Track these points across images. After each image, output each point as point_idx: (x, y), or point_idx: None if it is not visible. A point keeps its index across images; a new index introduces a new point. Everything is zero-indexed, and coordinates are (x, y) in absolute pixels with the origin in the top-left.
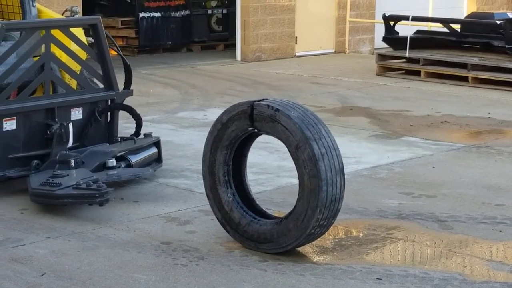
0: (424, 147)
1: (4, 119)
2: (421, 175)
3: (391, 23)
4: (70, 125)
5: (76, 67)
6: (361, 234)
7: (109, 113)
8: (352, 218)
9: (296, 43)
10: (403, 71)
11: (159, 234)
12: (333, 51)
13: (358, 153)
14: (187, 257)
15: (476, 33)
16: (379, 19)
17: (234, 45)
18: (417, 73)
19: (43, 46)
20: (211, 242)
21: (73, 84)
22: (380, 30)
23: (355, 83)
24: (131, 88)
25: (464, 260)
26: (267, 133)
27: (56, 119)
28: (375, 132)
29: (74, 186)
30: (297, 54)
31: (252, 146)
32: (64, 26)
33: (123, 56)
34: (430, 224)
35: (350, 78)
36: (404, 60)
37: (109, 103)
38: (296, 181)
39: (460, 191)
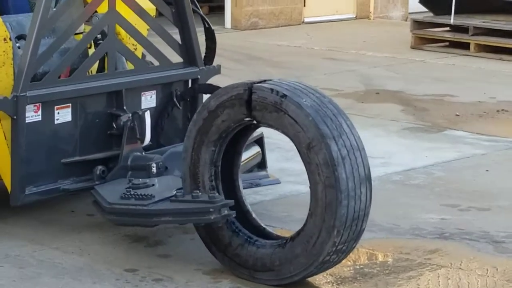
0: (474, 144)
1: (56, 107)
2: (470, 181)
3: None
4: (147, 115)
5: (144, 32)
6: (390, 260)
7: (190, 99)
8: (378, 238)
9: (304, 6)
10: (447, 43)
11: (122, 258)
12: (354, 16)
13: (386, 152)
14: None
15: None
16: None
17: (221, 8)
18: (465, 46)
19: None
20: (191, 269)
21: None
22: None
23: (382, 59)
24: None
25: None
26: (269, 125)
27: (125, 107)
28: (409, 124)
29: (173, 198)
30: (306, 20)
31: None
32: None
33: (206, 19)
34: (482, 247)
35: (376, 52)
36: (448, 28)
37: (191, 85)
38: (304, 188)
39: None
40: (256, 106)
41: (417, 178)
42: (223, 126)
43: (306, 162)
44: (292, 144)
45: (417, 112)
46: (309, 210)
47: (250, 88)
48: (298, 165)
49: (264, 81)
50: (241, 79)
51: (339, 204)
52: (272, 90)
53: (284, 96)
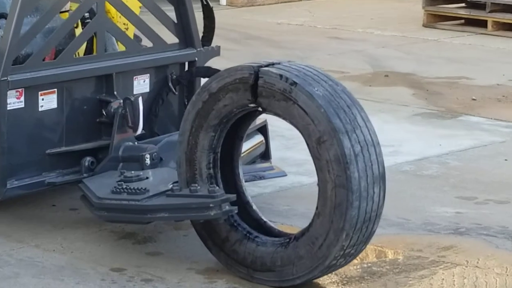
0: (491, 131)
1: (40, 93)
2: (488, 171)
3: None
4: (140, 101)
5: (137, 10)
6: (400, 257)
7: (186, 83)
8: (388, 234)
9: None
10: (462, 21)
11: (108, 256)
12: None
13: (396, 139)
14: None
15: None
16: None
17: None
18: (482, 24)
19: None
20: (183, 268)
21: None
22: None
23: (392, 38)
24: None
25: None
26: (276, 114)
27: (115, 92)
28: (421, 109)
29: (169, 192)
30: None
31: None
32: None
33: None
34: (500, 243)
35: (385, 30)
36: (463, 4)
37: (188, 68)
38: (306, 179)
39: None
40: (262, 92)
41: (430, 168)
42: (225, 111)
43: (315, 158)
44: (294, 132)
45: (430, 96)
46: (316, 209)
47: (256, 72)
48: (300, 154)
49: (272, 64)
50: (238, 61)
51: (350, 205)
52: (281, 76)
53: (294, 83)
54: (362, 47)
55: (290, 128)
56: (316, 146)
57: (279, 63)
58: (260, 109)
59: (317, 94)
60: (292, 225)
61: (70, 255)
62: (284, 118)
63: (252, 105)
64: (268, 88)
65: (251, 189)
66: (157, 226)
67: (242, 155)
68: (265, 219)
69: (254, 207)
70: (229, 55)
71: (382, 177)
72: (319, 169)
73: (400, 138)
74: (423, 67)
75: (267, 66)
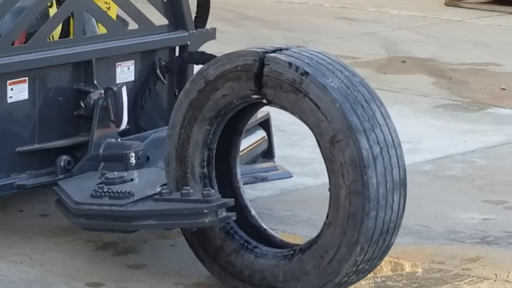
0: None
1: (9, 82)
2: None
3: None
4: (124, 91)
5: None
6: (419, 270)
7: (177, 71)
8: (405, 244)
9: None
10: None
11: (84, 270)
12: None
13: (415, 135)
14: None
15: None
16: None
17: None
18: None
19: None
20: (170, 283)
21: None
22: None
23: (410, 18)
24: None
25: None
26: (283, 107)
27: (95, 82)
28: (443, 100)
29: (157, 196)
30: None
31: None
32: None
33: None
34: None
35: (402, 10)
36: None
37: (179, 53)
38: (311, 181)
39: None
40: (268, 82)
41: (453, 168)
42: (223, 102)
43: (327, 159)
44: (298, 126)
45: (453, 85)
46: (327, 217)
47: (261, 59)
48: (304, 152)
49: (279, 49)
50: (232, 46)
51: (366, 215)
52: (290, 64)
53: (305, 73)
54: (376, 29)
55: (294, 121)
56: (329, 146)
57: (287, 49)
58: (264, 101)
59: (332, 87)
60: (295, 233)
61: (40, 268)
62: (292, 113)
63: (255, 96)
64: (275, 77)
65: (248, 192)
66: (140, 235)
67: (241, 153)
68: (265, 227)
69: (253, 212)
70: (223, 38)
71: (403, 183)
72: (331, 173)
73: (419, 133)
74: (445, 51)
75: (273, 52)
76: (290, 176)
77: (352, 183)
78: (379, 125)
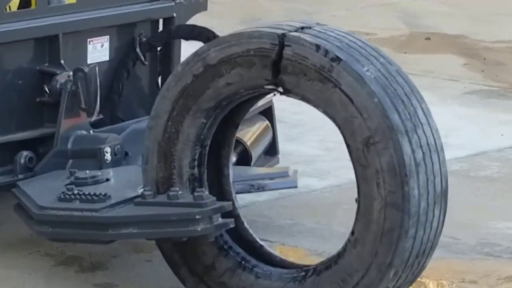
0: None
1: None
2: None
3: None
4: (96, 73)
5: None
6: None
7: (162, 48)
8: (432, 258)
9: None
10: None
11: None
12: None
13: (442, 127)
14: None
15: None
16: None
17: None
18: None
19: None
20: None
21: None
22: None
23: None
24: None
25: None
26: (304, 99)
27: (62, 61)
28: (476, 85)
29: (139, 200)
30: None
31: None
32: None
33: None
34: None
35: None
36: None
37: (163, 27)
38: (317, 183)
39: None
40: (287, 67)
41: (488, 168)
42: (227, 92)
43: (358, 164)
44: (299, 117)
45: (488, 67)
46: (352, 234)
47: (282, 40)
48: (308, 147)
49: (301, 28)
50: (223, 18)
51: (405, 234)
52: (318, 47)
53: (337, 59)
54: None
55: (295, 111)
56: (362, 149)
57: (309, 27)
58: (281, 89)
59: (368, 77)
60: (297, 246)
61: None
62: (315, 105)
63: (269, 86)
64: (298, 62)
65: (240, 196)
66: (110, 247)
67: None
68: (260, 242)
69: (245, 223)
70: (213, 11)
71: (444, 194)
72: (362, 180)
73: (448, 125)
74: (478, 27)
75: (296, 31)
76: (295, 186)
77: (389, 194)
78: (421, 124)
